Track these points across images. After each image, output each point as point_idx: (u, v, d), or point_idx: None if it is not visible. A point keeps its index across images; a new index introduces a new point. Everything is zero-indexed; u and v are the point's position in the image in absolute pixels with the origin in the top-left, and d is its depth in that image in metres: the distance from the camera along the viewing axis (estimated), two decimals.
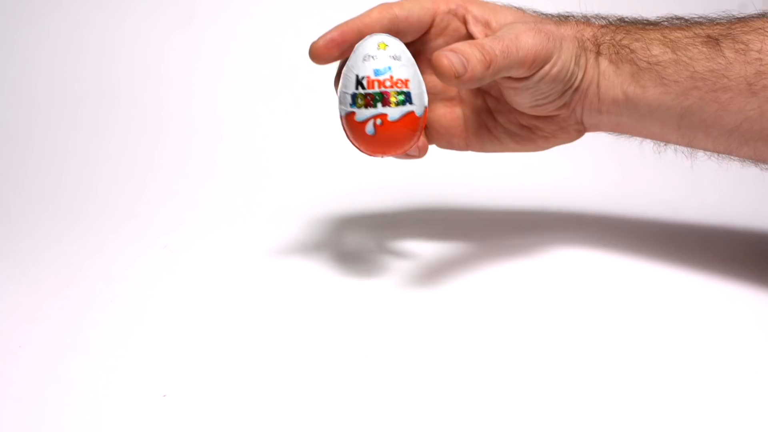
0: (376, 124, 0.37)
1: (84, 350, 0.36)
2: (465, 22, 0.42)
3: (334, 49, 0.39)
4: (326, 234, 0.55)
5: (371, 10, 0.40)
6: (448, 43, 0.41)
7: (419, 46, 0.42)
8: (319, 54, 0.39)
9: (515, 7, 0.43)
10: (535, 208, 0.60)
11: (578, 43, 0.41)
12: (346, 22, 0.39)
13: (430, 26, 0.41)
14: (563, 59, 0.39)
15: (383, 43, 0.38)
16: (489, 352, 0.36)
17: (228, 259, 0.49)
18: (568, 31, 0.41)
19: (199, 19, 0.75)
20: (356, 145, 0.39)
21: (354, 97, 0.37)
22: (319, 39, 0.39)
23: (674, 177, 0.58)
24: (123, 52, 0.73)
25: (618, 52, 0.41)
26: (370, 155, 0.39)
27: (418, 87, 0.38)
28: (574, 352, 0.36)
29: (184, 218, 0.58)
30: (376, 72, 0.37)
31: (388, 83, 0.37)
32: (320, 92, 0.74)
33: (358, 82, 0.37)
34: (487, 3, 0.42)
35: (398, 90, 0.37)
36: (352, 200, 0.62)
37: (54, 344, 0.37)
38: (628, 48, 0.40)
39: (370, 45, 0.38)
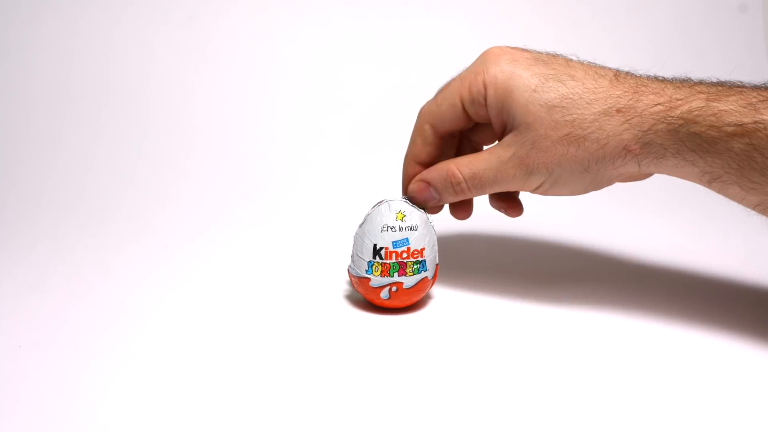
0: (391, 291, 0.38)
1: (84, 350, 0.36)
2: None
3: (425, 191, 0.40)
4: (327, 234, 0.55)
5: (413, 134, 0.41)
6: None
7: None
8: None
9: (546, 71, 0.36)
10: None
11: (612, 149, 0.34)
12: (405, 163, 0.41)
13: (468, 116, 0.39)
14: (553, 178, 0.36)
15: (401, 213, 0.39)
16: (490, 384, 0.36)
17: (228, 259, 0.49)
18: (610, 124, 0.34)
19: (200, 18, 0.74)
20: (367, 299, 0.40)
21: (370, 264, 0.38)
22: (415, 181, 0.40)
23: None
24: (123, 52, 0.72)
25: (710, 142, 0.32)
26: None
27: (431, 251, 0.39)
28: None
29: (184, 218, 0.58)
30: (395, 244, 0.38)
31: (405, 254, 0.38)
32: (321, 92, 0.74)
33: (376, 252, 0.38)
34: (503, 80, 0.36)
35: (414, 260, 0.38)
36: (353, 200, 0.62)
37: (54, 344, 0.36)
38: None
39: (387, 214, 0.38)
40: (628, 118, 0.34)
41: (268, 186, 0.64)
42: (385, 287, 0.38)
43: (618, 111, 0.34)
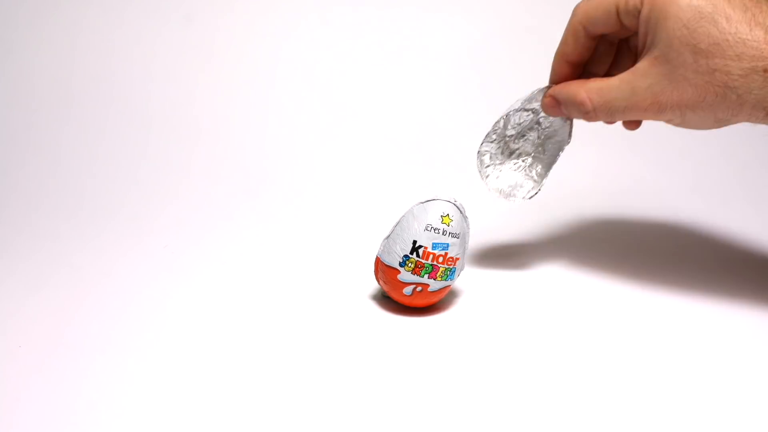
0: (416, 290, 0.38)
1: (84, 350, 0.36)
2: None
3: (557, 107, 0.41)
4: (328, 236, 0.55)
5: (565, 33, 0.40)
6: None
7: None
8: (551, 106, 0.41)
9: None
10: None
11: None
12: (555, 58, 0.41)
13: (621, 24, 0.37)
14: (684, 118, 0.35)
15: (448, 216, 0.38)
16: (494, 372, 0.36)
17: (228, 259, 0.49)
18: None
19: (202, 17, 0.74)
20: (385, 289, 0.40)
21: (405, 258, 0.38)
22: (547, 96, 0.41)
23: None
24: (125, 52, 0.72)
25: None
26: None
27: (462, 260, 0.39)
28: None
29: (184, 218, 0.58)
30: (434, 246, 0.38)
31: (441, 259, 0.38)
32: (327, 90, 0.74)
33: (414, 249, 0.38)
34: (661, 10, 0.35)
35: (447, 267, 0.38)
36: (355, 201, 0.62)
37: (54, 344, 0.36)
38: None
39: (434, 214, 0.38)
40: None
41: (271, 186, 0.64)
42: (411, 285, 0.38)
43: (765, 71, 0.33)
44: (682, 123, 0.36)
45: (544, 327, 0.39)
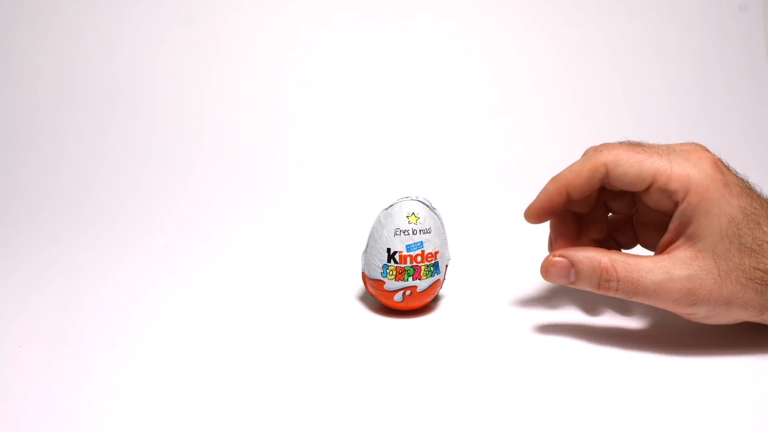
0: (405, 294, 0.38)
1: (85, 351, 0.36)
2: (670, 208, 0.35)
3: (545, 217, 0.39)
4: (328, 236, 0.55)
5: (583, 165, 0.37)
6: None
7: None
8: (531, 221, 0.39)
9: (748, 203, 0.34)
10: None
11: None
12: (555, 181, 0.38)
13: (647, 193, 0.36)
14: (713, 313, 0.34)
15: (414, 215, 0.38)
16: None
17: (235, 260, 0.49)
18: None
19: (203, 18, 0.74)
20: (379, 301, 0.40)
21: (385, 268, 0.38)
22: (529, 208, 0.39)
23: None
24: (127, 52, 0.72)
25: None
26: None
27: (444, 252, 0.39)
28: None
29: (184, 218, 0.58)
30: (408, 248, 0.38)
31: (419, 258, 0.38)
32: (329, 91, 0.74)
33: (390, 256, 0.38)
34: (712, 197, 0.34)
35: (428, 264, 0.38)
36: (357, 201, 0.62)
37: (54, 344, 0.37)
38: None
39: (399, 217, 0.38)
40: None
41: (272, 186, 0.64)
42: (399, 291, 0.38)
43: None
44: (706, 318, 0.35)
45: (540, 323, 0.39)
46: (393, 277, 0.38)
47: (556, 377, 0.34)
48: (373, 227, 0.39)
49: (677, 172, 0.34)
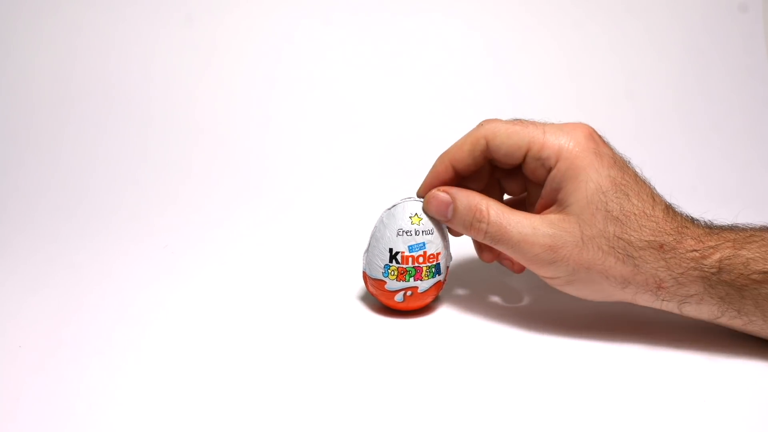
0: (406, 295, 0.38)
1: (83, 350, 0.36)
2: (546, 177, 0.37)
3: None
4: (328, 236, 0.55)
5: (465, 139, 0.38)
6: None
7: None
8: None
9: (625, 174, 0.35)
10: None
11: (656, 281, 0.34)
12: (441, 158, 0.39)
13: (522, 160, 0.37)
14: (572, 277, 0.36)
15: (416, 216, 0.38)
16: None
17: (234, 261, 0.49)
18: (652, 267, 0.34)
19: (202, 18, 0.74)
20: (380, 301, 0.40)
21: (387, 268, 0.38)
22: (421, 186, 0.40)
23: None
24: (125, 52, 0.72)
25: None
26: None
27: (445, 253, 0.39)
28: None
29: (184, 218, 0.58)
30: (411, 249, 0.38)
31: (421, 259, 0.38)
32: (327, 92, 0.74)
33: (392, 257, 0.38)
34: (581, 165, 0.35)
35: (430, 265, 0.38)
36: (358, 201, 0.62)
37: (54, 344, 0.37)
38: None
39: (402, 218, 0.38)
40: (668, 257, 0.34)
41: (273, 187, 0.64)
42: (400, 291, 0.38)
43: (661, 246, 0.34)
44: (568, 284, 0.36)
45: (540, 324, 0.39)
46: (394, 277, 0.38)
47: (556, 378, 0.34)
48: (375, 227, 0.39)
49: (550, 140, 0.36)
